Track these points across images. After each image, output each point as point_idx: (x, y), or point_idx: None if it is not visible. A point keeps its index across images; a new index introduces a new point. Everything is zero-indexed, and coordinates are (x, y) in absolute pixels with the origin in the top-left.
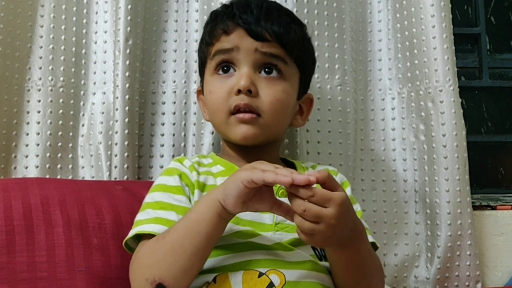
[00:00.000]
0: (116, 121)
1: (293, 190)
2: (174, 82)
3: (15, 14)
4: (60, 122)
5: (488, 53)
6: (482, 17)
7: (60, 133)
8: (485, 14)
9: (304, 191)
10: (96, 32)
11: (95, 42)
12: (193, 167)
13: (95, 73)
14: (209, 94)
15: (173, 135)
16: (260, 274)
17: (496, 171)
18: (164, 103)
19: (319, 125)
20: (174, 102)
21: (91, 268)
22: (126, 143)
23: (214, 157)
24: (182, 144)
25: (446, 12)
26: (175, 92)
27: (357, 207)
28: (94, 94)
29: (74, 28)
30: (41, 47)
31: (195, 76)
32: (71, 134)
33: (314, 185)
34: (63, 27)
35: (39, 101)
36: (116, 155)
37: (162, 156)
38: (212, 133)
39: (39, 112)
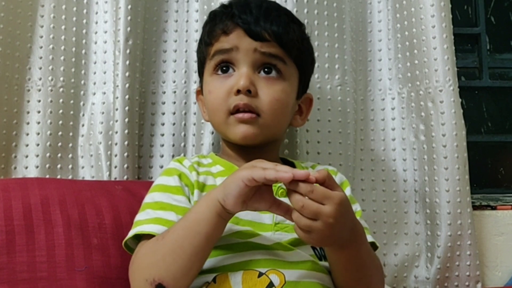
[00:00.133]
0: (116, 121)
1: (292, 186)
2: (174, 82)
3: (15, 14)
4: (60, 122)
5: (488, 53)
6: (482, 17)
7: (60, 133)
8: (485, 14)
9: (303, 186)
10: (96, 32)
11: (95, 42)
12: (192, 167)
13: (95, 73)
14: (208, 94)
15: (173, 135)
16: (260, 274)
17: (496, 171)
18: (164, 103)
19: (319, 125)
20: (174, 102)
21: (91, 268)
22: (126, 143)
23: (213, 157)
24: (182, 144)
25: (446, 12)
26: (175, 92)
27: (356, 207)
28: (94, 94)
29: (74, 28)
30: (41, 47)
31: (195, 76)
32: (71, 134)
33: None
34: (63, 27)
35: (39, 101)
36: (116, 155)
37: (162, 156)
38: (212, 133)
39: (39, 112)
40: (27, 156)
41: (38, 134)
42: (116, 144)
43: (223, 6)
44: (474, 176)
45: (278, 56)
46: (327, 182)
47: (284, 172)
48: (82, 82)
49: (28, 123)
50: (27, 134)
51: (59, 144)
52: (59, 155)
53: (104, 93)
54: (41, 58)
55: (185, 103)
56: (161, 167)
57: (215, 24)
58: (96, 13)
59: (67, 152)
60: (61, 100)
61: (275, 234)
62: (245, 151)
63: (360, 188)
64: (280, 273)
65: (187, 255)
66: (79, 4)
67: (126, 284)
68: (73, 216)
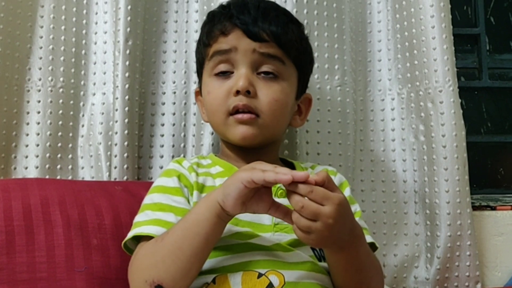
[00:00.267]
0: (116, 121)
1: (292, 187)
2: (174, 82)
3: (15, 15)
4: (60, 122)
5: (488, 53)
6: (482, 17)
7: (60, 133)
8: (485, 14)
9: (303, 187)
10: (96, 33)
11: (95, 43)
12: (192, 168)
13: (95, 73)
14: (207, 95)
15: (173, 135)
16: (260, 275)
17: (496, 172)
18: (164, 103)
19: (319, 126)
20: (174, 103)
21: (90, 268)
22: (125, 143)
23: (213, 158)
24: (182, 145)
25: (445, 13)
26: (174, 92)
27: (356, 208)
28: (94, 94)
29: (74, 29)
30: (41, 48)
31: (195, 77)
32: (70, 134)
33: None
34: (63, 27)
35: (39, 101)
36: (115, 156)
37: (161, 156)
38: (212, 133)
39: (38, 112)
40: (27, 157)
41: (38, 134)
42: (116, 144)
43: (221, 6)
44: (473, 177)
45: (277, 56)
46: (326, 184)
47: (283, 174)
48: (82, 82)
49: (28, 124)
50: (27, 135)
51: (59, 144)
52: (59, 155)
53: (104, 93)
54: (41, 58)
55: (185, 103)
56: (161, 167)
57: (213, 25)
58: (96, 13)
59: (67, 153)
60: (60, 101)
61: (275, 235)
62: (245, 152)
63: (360, 189)
64: (280, 274)
65: (186, 256)
66: (79, 4)
67: (125, 284)
68: (72, 217)
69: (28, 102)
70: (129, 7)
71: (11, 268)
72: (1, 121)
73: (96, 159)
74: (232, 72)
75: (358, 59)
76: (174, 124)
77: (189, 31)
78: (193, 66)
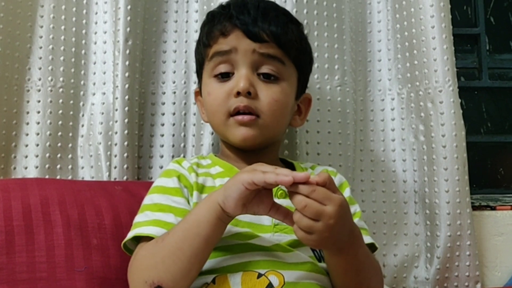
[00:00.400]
0: (116, 121)
1: (293, 188)
2: (174, 82)
3: (14, 15)
4: (60, 122)
5: (488, 53)
6: (482, 17)
7: (59, 133)
8: (485, 14)
9: (305, 187)
10: (95, 33)
11: (95, 43)
12: (191, 169)
13: (94, 73)
14: (207, 96)
15: (173, 135)
16: (259, 275)
17: (496, 172)
18: (163, 103)
19: (319, 126)
20: (174, 103)
21: (90, 268)
22: (125, 143)
23: (213, 158)
24: (182, 145)
25: (445, 13)
26: (174, 92)
27: (356, 208)
28: (94, 94)
29: (73, 29)
30: (40, 48)
31: (195, 77)
32: (70, 134)
33: None
34: (62, 27)
35: (39, 101)
36: (115, 156)
37: (161, 156)
38: (212, 133)
39: (38, 112)
40: (26, 157)
41: (38, 134)
42: (115, 144)
43: (221, 7)
44: (473, 177)
45: (277, 57)
46: (327, 185)
47: (284, 175)
48: (82, 82)
49: (27, 124)
50: (27, 135)
51: (59, 144)
52: (59, 155)
53: (104, 93)
54: (40, 58)
55: (185, 103)
56: (161, 167)
57: (213, 26)
58: (96, 13)
59: (67, 153)
60: (60, 101)
61: (274, 235)
62: (244, 152)
63: (360, 189)
64: (279, 274)
65: (186, 257)
66: (79, 4)
67: (125, 284)
68: (72, 217)
69: (28, 102)
70: (129, 7)
71: (11, 268)
72: (1, 121)
73: (96, 159)
74: (232, 73)
75: (358, 59)
76: (174, 124)
77: (189, 31)
78: (193, 66)
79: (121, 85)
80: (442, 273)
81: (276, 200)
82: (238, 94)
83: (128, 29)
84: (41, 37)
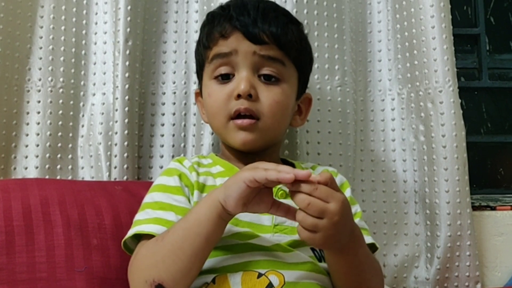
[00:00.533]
0: (116, 122)
1: (295, 187)
2: (174, 83)
3: (14, 15)
4: (60, 123)
5: (488, 53)
6: (482, 17)
7: (59, 134)
8: (485, 14)
9: (307, 185)
10: (95, 33)
11: (95, 43)
12: (192, 168)
13: (94, 74)
14: (208, 98)
15: (173, 135)
16: (259, 275)
17: (496, 172)
18: (163, 104)
19: (319, 126)
20: (174, 103)
21: (90, 268)
22: (125, 143)
23: (213, 158)
24: (182, 145)
25: (445, 13)
26: (174, 93)
27: (357, 208)
28: (94, 95)
29: (73, 29)
30: (40, 48)
31: (195, 77)
32: (70, 134)
33: None
34: (62, 28)
35: (39, 102)
36: (115, 156)
37: (161, 156)
38: (212, 134)
39: (38, 113)
40: (26, 157)
41: (38, 134)
42: (116, 144)
43: (220, 7)
44: (473, 177)
45: (277, 58)
46: (329, 184)
47: (286, 173)
48: (82, 83)
49: (27, 124)
50: (27, 135)
51: (59, 144)
52: (59, 155)
53: (104, 94)
54: (40, 58)
55: (185, 104)
56: (161, 167)
57: (213, 27)
58: (96, 14)
59: (67, 153)
60: (60, 101)
61: (274, 236)
62: (245, 154)
63: (360, 189)
64: (280, 274)
65: (187, 256)
66: (79, 5)
67: (125, 284)
68: (72, 217)
69: (28, 102)
70: (129, 7)
71: (11, 268)
72: (1, 122)
73: (96, 159)
74: (233, 75)
75: (358, 59)
76: (174, 124)
77: (189, 31)
78: (193, 66)
79: (121, 86)
80: (442, 273)
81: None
82: (239, 96)
83: (128, 29)
84: (41, 37)
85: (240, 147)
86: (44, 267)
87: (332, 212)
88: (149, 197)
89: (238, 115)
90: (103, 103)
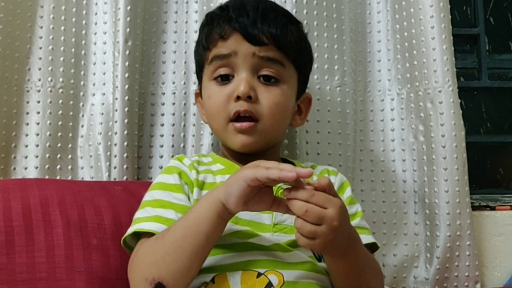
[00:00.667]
0: (116, 122)
1: (292, 195)
2: (174, 83)
3: (14, 15)
4: (60, 123)
5: (487, 53)
6: (481, 17)
7: (59, 134)
8: (484, 14)
9: (304, 192)
10: (95, 33)
11: (95, 43)
12: (192, 166)
13: (94, 74)
14: (207, 99)
15: (173, 136)
16: (259, 274)
17: (495, 172)
18: (163, 104)
19: (319, 126)
20: (174, 103)
21: (90, 268)
22: (125, 144)
23: (214, 156)
24: (182, 145)
25: (445, 13)
26: (174, 93)
27: (357, 208)
28: (94, 95)
29: (73, 29)
30: (40, 48)
31: (195, 77)
32: (70, 135)
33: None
34: (62, 28)
35: (39, 102)
36: (115, 156)
37: (161, 156)
38: (211, 134)
39: (38, 113)
40: (26, 157)
41: (38, 135)
42: (115, 145)
43: (219, 8)
44: (473, 177)
45: (277, 59)
46: (327, 190)
47: (288, 171)
48: (82, 83)
49: (27, 124)
50: (27, 135)
51: (59, 145)
52: (59, 156)
53: (104, 94)
54: (40, 59)
55: (185, 104)
56: (161, 167)
57: (212, 28)
58: (96, 14)
59: (67, 153)
60: (60, 101)
61: (274, 235)
62: (245, 155)
63: (360, 189)
64: (279, 274)
65: (187, 255)
66: (79, 5)
67: (125, 284)
68: (72, 217)
69: (27, 102)
70: (128, 7)
71: (11, 268)
72: (0, 122)
73: (96, 159)
74: (232, 76)
75: (358, 60)
76: (173, 125)
77: (188, 31)
78: (193, 66)
79: (121, 86)
80: (441, 273)
81: None
82: (238, 98)
83: (128, 29)
84: (41, 37)
85: (239, 149)
86: (44, 267)
87: (331, 218)
88: (149, 195)
89: (237, 117)
90: (103, 103)
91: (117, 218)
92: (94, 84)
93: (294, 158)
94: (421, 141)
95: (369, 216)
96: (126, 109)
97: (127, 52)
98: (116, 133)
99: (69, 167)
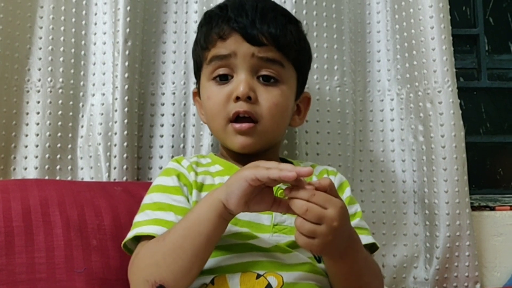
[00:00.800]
0: (115, 122)
1: (293, 194)
2: (173, 83)
3: (14, 16)
4: (59, 123)
5: (487, 54)
6: (481, 18)
7: (59, 134)
8: (484, 15)
9: (304, 191)
10: (95, 34)
11: (94, 44)
12: (191, 167)
13: (94, 74)
14: (207, 100)
15: (172, 136)
16: (258, 276)
17: (495, 172)
18: (163, 104)
19: (318, 126)
20: (173, 104)
21: (90, 269)
22: (125, 144)
23: (212, 157)
24: (181, 145)
25: (444, 13)
26: (174, 93)
27: (357, 208)
28: (93, 95)
29: (73, 30)
30: (40, 49)
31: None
32: (70, 135)
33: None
34: (62, 28)
35: (38, 102)
36: (115, 156)
37: (161, 157)
38: (211, 134)
39: (38, 113)
40: (26, 157)
41: (37, 135)
42: (115, 145)
43: (218, 7)
44: (473, 177)
45: (276, 60)
46: (328, 191)
47: (288, 171)
48: (81, 83)
49: (27, 124)
50: (26, 135)
51: (58, 145)
52: (58, 156)
53: (103, 94)
54: (40, 59)
55: (184, 104)
56: (160, 168)
57: (211, 28)
58: (95, 14)
59: (66, 153)
60: (60, 101)
61: (273, 235)
62: (244, 156)
63: (359, 189)
64: (278, 275)
65: (187, 256)
66: (78, 5)
67: (125, 285)
68: (72, 218)
69: (27, 103)
70: (128, 8)
71: (11, 269)
72: (0, 122)
73: (96, 159)
74: (231, 76)
75: (357, 60)
76: (173, 125)
77: (188, 31)
78: (192, 66)
79: (121, 86)
80: (441, 274)
81: None
82: (238, 99)
83: (128, 30)
84: (40, 38)
85: (239, 150)
86: (44, 268)
87: (331, 218)
88: (148, 198)
89: (237, 118)
90: (103, 104)
91: (117, 219)
92: (93, 85)
93: (294, 158)
94: (421, 142)
95: (368, 217)
96: (126, 109)
97: (127, 52)
98: (115, 134)
99: (69, 167)
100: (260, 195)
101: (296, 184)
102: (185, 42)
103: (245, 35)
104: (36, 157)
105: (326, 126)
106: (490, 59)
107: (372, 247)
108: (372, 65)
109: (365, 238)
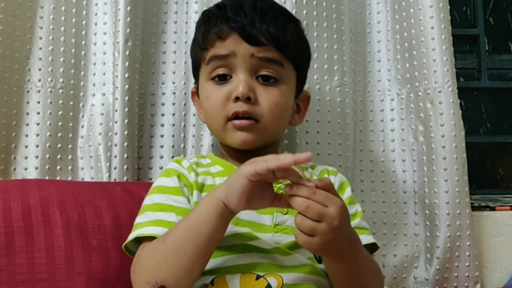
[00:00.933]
0: (116, 122)
1: (293, 191)
2: (174, 83)
3: (14, 16)
4: (60, 123)
5: (487, 54)
6: (481, 18)
7: (59, 134)
8: (484, 15)
9: (305, 189)
10: (95, 34)
11: (95, 44)
12: (191, 168)
13: (94, 74)
14: (205, 100)
15: (173, 136)
16: (258, 277)
17: (495, 172)
18: (163, 104)
19: (319, 126)
20: (174, 104)
21: (90, 269)
22: (125, 144)
23: (212, 158)
24: (182, 145)
25: (445, 13)
26: (174, 93)
27: (357, 208)
28: (94, 95)
29: (73, 30)
30: (40, 49)
31: None
32: (70, 135)
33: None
34: (62, 28)
35: (39, 102)
36: (115, 156)
37: (161, 157)
38: (211, 134)
39: (38, 113)
40: (26, 158)
41: (38, 135)
42: (115, 145)
43: (216, 7)
44: (473, 177)
45: (276, 60)
46: (328, 190)
47: (285, 158)
48: (82, 83)
49: (27, 125)
50: (27, 136)
51: (59, 145)
52: (59, 156)
53: (104, 94)
54: (40, 59)
55: (185, 104)
56: (161, 168)
57: (209, 28)
58: (96, 14)
59: (67, 154)
60: (60, 102)
61: (275, 236)
62: (244, 153)
63: (360, 189)
64: (278, 276)
65: (189, 257)
66: (79, 5)
67: (125, 285)
68: (72, 218)
69: (27, 103)
70: (128, 8)
71: (11, 269)
72: (0, 122)
73: (96, 160)
74: (230, 76)
75: (358, 60)
76: (173, 125)
77: (188, 32)
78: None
79: (121, 86)
80: (441, 274)
81: None
82: (237, 99)
83: (128, 30)
84: (40, 38)
85: (239, 146)
86: (44, 268)
87: (331, 216)
88: (148, 199)
89: (236, 117)
90: (103, 104)
91: (117, 219)
92: (94, 85)
93: None
94: (421, 142)
95: (369, 217)
96: (126, 109)
97: (127, 52)
98: (116, 134)
99: (69, 167)
100: (261, 192)
101: (297, 181)
102: (185, 42)
103: (244, 35)
104: (37, 157)
105: (327, 126)
106: (490, 59)
107: (372, 247)
108: (372, 65)
109: (366, 238)
